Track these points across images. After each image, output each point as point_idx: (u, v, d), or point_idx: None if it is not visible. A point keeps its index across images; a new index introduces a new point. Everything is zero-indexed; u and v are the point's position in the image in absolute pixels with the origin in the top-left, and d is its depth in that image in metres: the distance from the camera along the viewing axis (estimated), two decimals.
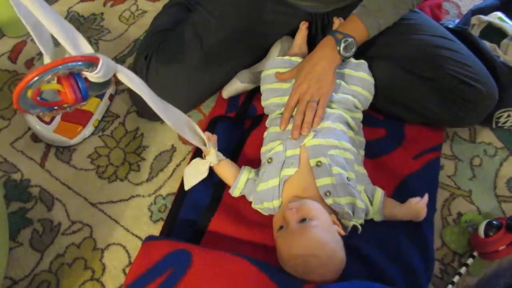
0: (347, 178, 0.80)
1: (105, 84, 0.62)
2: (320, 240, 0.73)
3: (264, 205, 0.84)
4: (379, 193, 0.84)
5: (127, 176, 0.99)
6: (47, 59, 0.62)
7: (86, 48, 0.58)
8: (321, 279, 0.72)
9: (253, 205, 0.86)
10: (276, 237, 0.78)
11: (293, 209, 0.76)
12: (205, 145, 0.85)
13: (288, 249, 0.74)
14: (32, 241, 0.90)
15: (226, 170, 0.89)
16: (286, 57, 0.98)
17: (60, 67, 0.54)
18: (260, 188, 0.83)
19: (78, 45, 0.58)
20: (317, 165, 0.81)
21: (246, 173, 0.87)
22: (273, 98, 0.95)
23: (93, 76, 0.58)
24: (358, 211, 0.80)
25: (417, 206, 0.83)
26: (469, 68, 0.90)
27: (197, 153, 0.95)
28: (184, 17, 1.08)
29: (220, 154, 0.88)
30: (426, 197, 0.84)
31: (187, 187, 0.90)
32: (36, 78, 0.53)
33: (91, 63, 0.56)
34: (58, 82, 0.58)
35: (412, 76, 0.95)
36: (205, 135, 0.84)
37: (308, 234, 0.73)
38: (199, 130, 0.82)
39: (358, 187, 0.82)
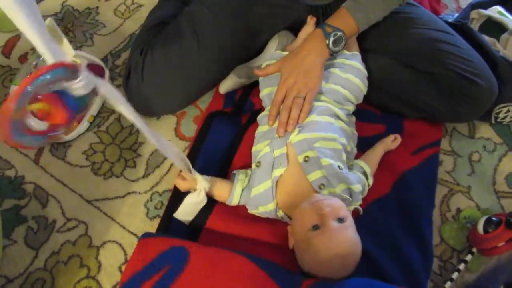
0: (338, 166, 0.80)
1: (88, 100, 0.61)
2: (356, 239, 0.74)
3: (260, 210, 0.83)
4: (365, 164, 0.86)
5: (123, 172, 0.98)
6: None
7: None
8: (348, 275, 0.73)
9: (249, 211, 0.85)
10: (309, 237, 0.73)
11: (330, 209, 0.74)
12: (189, 170, 0.80)
13: (328, 249, 0.71)
14: (27, 238, 0.89)
15: (218, 189, 0.85)
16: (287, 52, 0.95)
17: (40, 77, 0.52)
18: (253, 193, 0.82)
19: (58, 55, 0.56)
20: (304, 160, 0.81)
21: (240, 185, 0.84)
22: (266, 89, 0.93)
23: (76, 86, 0.56)
24: (355, 195, 0.81)
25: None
26: (469, 62, 0.90)
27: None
28: (180, 11, 1.07)
29: (206, 176, 0.84)
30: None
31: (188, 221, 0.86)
32: (19, 100, 0.51)
33: (70, 71, 0.54)
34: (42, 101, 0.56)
35: (411, 70, 0.94)
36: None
37: (347, 234, 0.73)
38: (183, 155, 0.79)
39: (352, 173, 0.83)
